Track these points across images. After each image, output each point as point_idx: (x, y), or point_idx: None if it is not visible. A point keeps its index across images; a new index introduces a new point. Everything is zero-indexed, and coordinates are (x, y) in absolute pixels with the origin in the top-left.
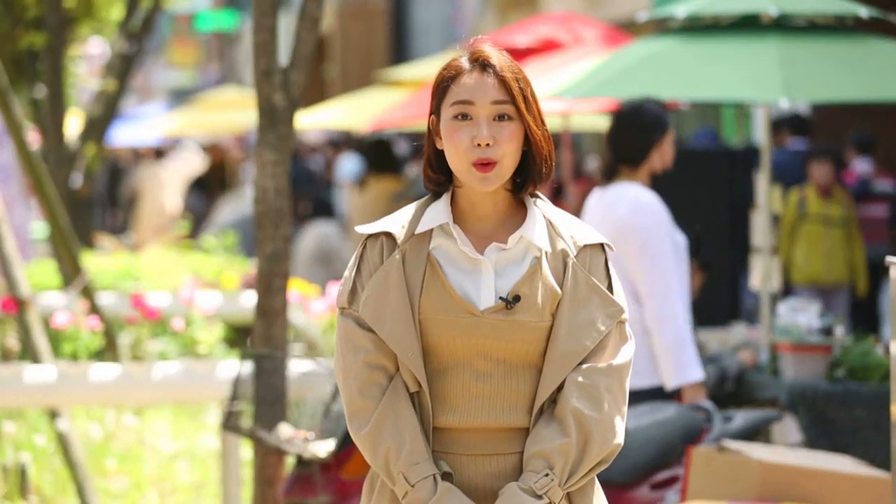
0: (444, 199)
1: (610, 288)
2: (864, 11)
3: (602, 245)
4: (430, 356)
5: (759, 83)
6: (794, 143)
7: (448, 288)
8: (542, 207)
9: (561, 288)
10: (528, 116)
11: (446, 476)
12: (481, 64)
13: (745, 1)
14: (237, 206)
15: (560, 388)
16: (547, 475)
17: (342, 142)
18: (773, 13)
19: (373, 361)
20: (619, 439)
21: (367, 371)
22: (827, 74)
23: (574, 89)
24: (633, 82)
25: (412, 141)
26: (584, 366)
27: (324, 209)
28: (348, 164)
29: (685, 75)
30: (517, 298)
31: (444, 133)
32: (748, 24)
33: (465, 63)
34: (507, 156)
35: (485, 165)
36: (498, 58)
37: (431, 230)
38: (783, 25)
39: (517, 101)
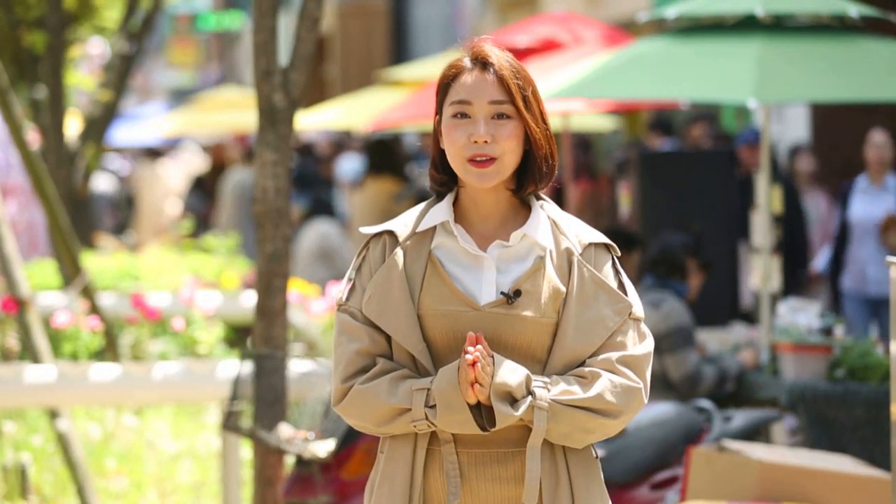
0: (447, 199)
1: (621, 288)
2: (854, 11)
3: (607, 245)
4: (433, 351)
5: (732, 84)
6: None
7: (448, 283)
8: (546, 209)
9: (566, 286)
10: (527, 115)
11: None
12: (482, 63)
13: (737, 1)
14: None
15: None
16: (544, 384)
17: (342, 142)
18: (760, 13)
19: (365, 351)
20: (622, 407)
21: (359, 359)
22: (807, 75)
23: (572, 89)
24: (618, 82)
25: (408, 143)
26: (600, 357)
27: (323, 209)
28: (348, 164)
29: (668, 75)
30: (518, 293)
31: (443, 131)
32: (747, 25)
33: (466, 62)
34: (507, 153)
35: (481, 162)
36: (498, 57)
37: (433, 229)
38: (781, 26)
39: (515, 101)
